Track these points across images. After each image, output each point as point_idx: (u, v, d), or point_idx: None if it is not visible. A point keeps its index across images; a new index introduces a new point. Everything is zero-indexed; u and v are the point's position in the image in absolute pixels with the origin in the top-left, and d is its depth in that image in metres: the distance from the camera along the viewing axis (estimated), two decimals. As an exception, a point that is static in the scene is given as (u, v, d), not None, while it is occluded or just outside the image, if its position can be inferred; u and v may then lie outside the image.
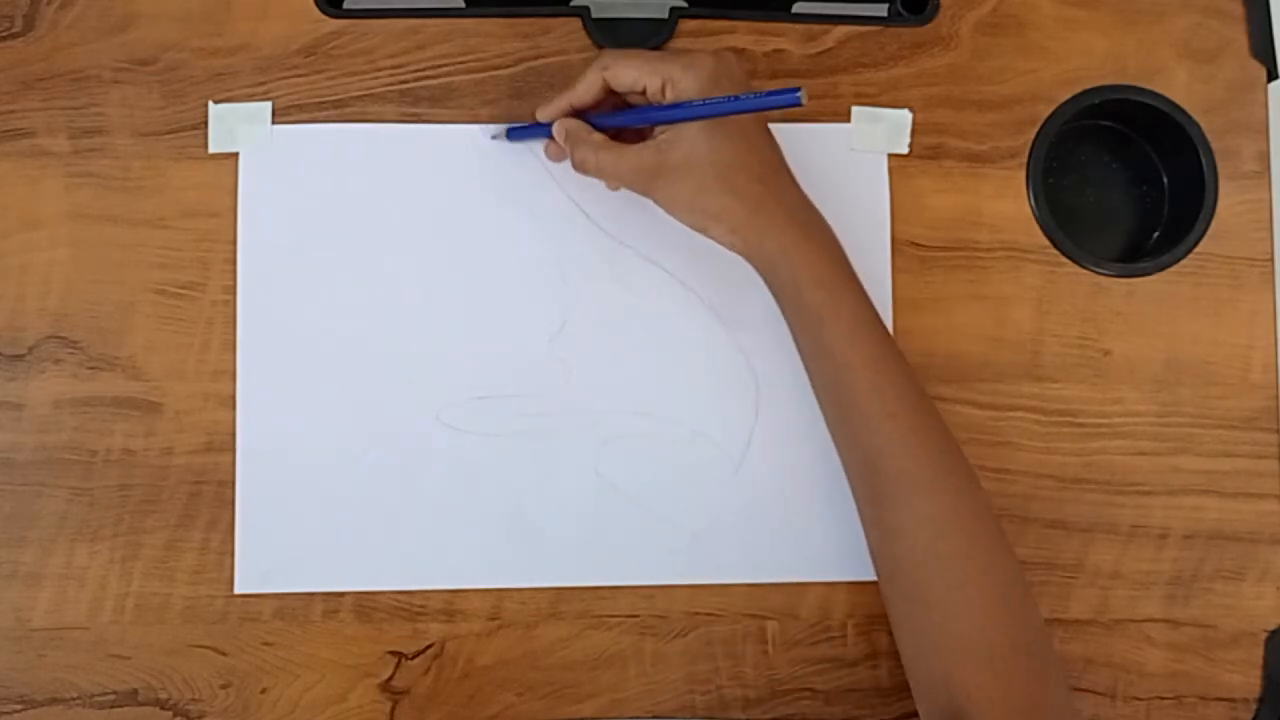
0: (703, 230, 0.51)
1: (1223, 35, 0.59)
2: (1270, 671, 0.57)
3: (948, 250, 0.58)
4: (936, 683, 0.48)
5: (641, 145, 0.51)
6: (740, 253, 0.52)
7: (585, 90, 0.52)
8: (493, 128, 0.57)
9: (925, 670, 0.49)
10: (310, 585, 0.55)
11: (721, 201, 0.50)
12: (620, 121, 0.53)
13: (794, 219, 0.51)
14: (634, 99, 0.53)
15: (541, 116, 0.54)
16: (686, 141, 0.50)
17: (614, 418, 0.56)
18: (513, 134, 0.56)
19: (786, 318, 0.52)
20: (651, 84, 0.51)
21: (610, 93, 0.53)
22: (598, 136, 0.52)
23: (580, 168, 0.53)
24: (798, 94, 0.44)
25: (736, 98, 0.48)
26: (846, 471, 0.52)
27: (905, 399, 0.50)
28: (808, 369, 0.53)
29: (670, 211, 0.52)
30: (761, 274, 0.52)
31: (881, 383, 0.50)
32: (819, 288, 0.50)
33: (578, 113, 0.54)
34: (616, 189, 0.55)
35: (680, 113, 0.49)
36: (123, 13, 0.57)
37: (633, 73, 0.51)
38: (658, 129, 0.51)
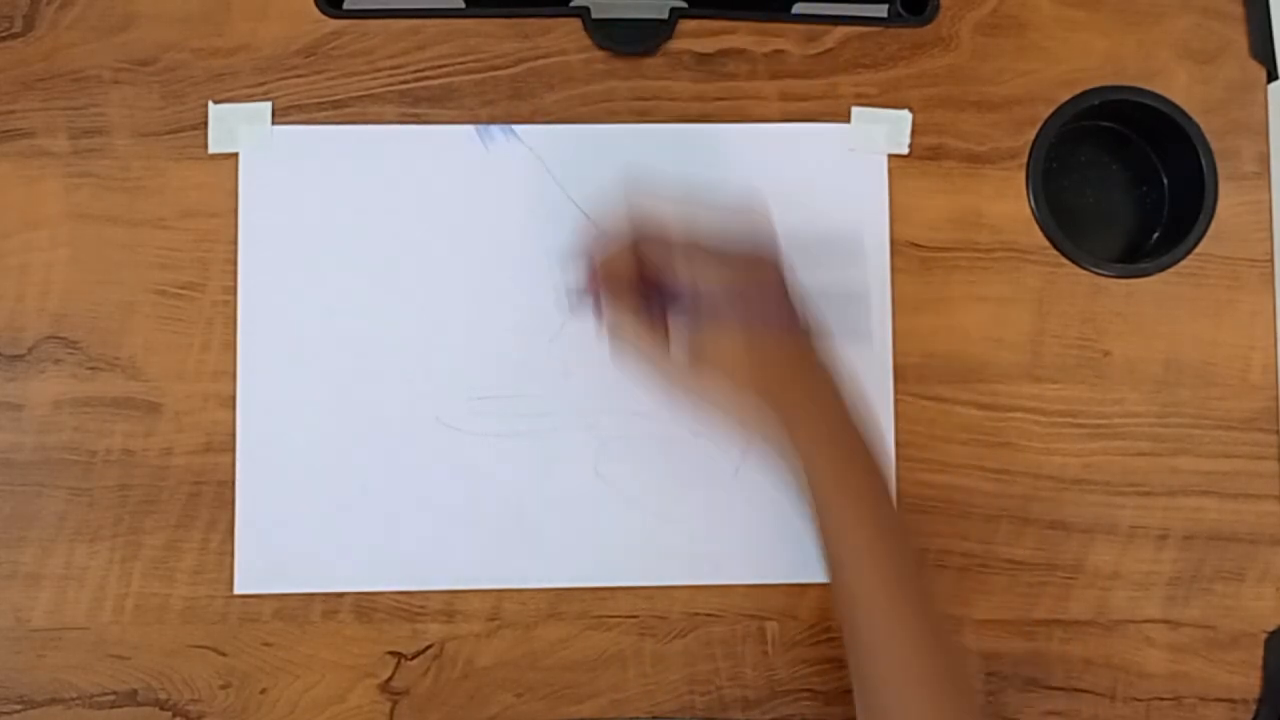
0: (725, 421, 0.50)
1: (1223, 36, 0.60)
2: (1270, 672, 0.57)
3: (948, 251, 0.58)
4: None
5: (674, 342, 0.50)
6: (770, 433, 0.50)
7: (623, 262, 0.51)
8: (492, 129, 0.57)
9: None
10: (310, 586, 0.55)
11: (753, 407, 0.49)
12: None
13: (813, 404, 0.49)
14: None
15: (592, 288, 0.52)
16: (719, 342, 0.48)
17: (614, 418, 0.56)
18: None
19: (811, 508, 0.50)
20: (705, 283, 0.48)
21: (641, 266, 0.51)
22: (646, 336, 0.50)
23: (613, 340, 0.51)
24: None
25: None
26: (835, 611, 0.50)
27: (920, 641, 0.47)
28: (819, 538, 0.50)
29: (708, 400, 0.50)
30: (787, 457, 0.50)
31: (879, 556, 0.47)
32: (842, 500, 0.48)
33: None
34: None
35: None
36: (123, 13, 0.57)
37: (714, 273, 0.48)
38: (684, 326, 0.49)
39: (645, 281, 0.51)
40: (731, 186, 0.57)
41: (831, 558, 0.49)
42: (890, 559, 0.48)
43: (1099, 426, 0.58)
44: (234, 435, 0.55)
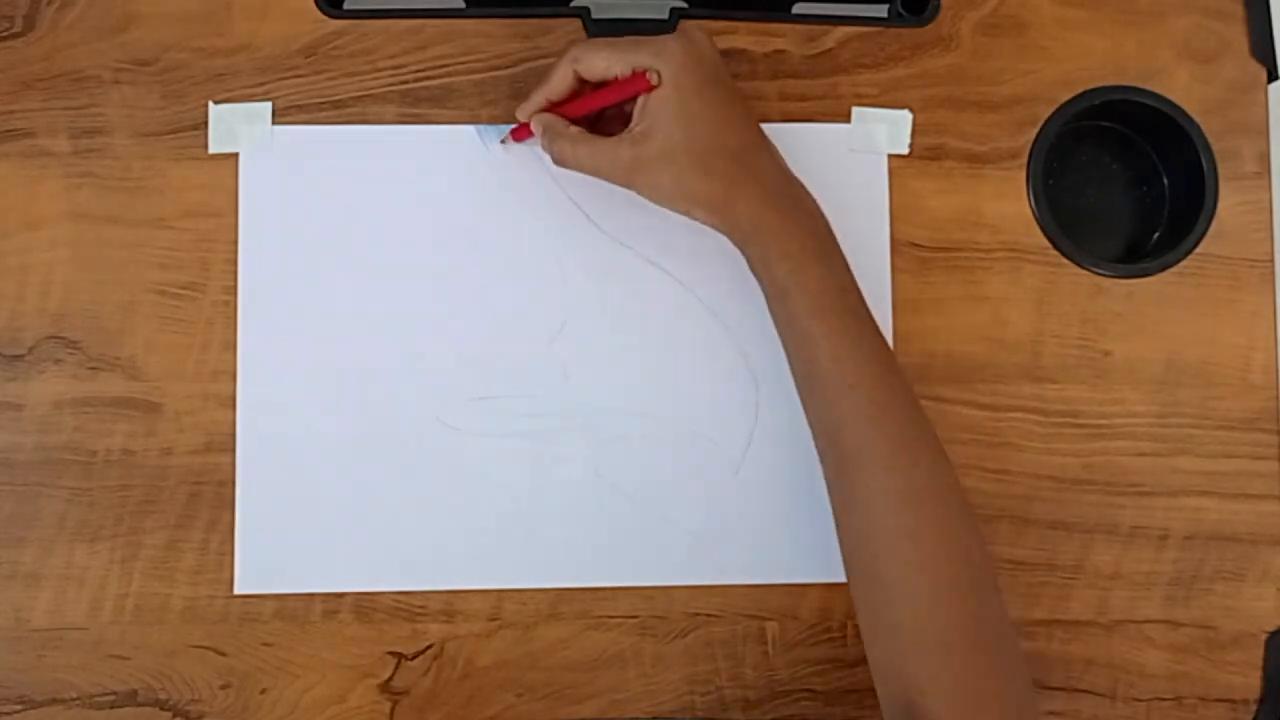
0: (686, 214, 0.52)
1: (1223, 36, 0.59)
2: (1270, 672, 0.57)
3: (948, 251, 0.58)
4: (890, 668, 0.47)
5: (618, 140, 0.52)
6: (721, 231, 0.52)
7: (558, 83, 0.53)
8: (492, 129, 0.57)
9: (879, 654, 0.48)
10: (310, 586, 0.55)
11: (700, 186, 0.50)
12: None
13: (770, 194, 0.51)
14: None
15: (520, 115, 0.55)
16: (661, 132, 0.50)
17: (614, 418, 0.56)
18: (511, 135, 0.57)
19: (762, 291, 0.52)
20: (622, 73, 0.51)
21: (584, 83, 0.53)
22: (574, 130, 0.53)
23: (559, 160, 0.53)
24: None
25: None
26: (815, 445, 0.52)
27: (868, 371, 0.49)
28: (781, 342, 0.52)
29: (653, 200, 0.52)
30: (740, 250, 0.52)
31: (844, 354, 0.49)
32: (785, 260, 0.50)
33: (552, 111, 0.54)
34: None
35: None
36: (123, 13, 0.57)
37: (602, 62, 0.51)
38: (633, 120, 0.51)
39: (585, 98, 0.53)
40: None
41: (787, 340, 0.51)
42: (843, 312, 0.50)
43: (1099, 427, 0.58)
44: (234, 435, 0.55)
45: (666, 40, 0.51)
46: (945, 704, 0.45)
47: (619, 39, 0.52)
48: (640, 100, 0.51)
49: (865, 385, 0.49)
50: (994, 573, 0.48)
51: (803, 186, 0.53)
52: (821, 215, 0.52)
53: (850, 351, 0.49)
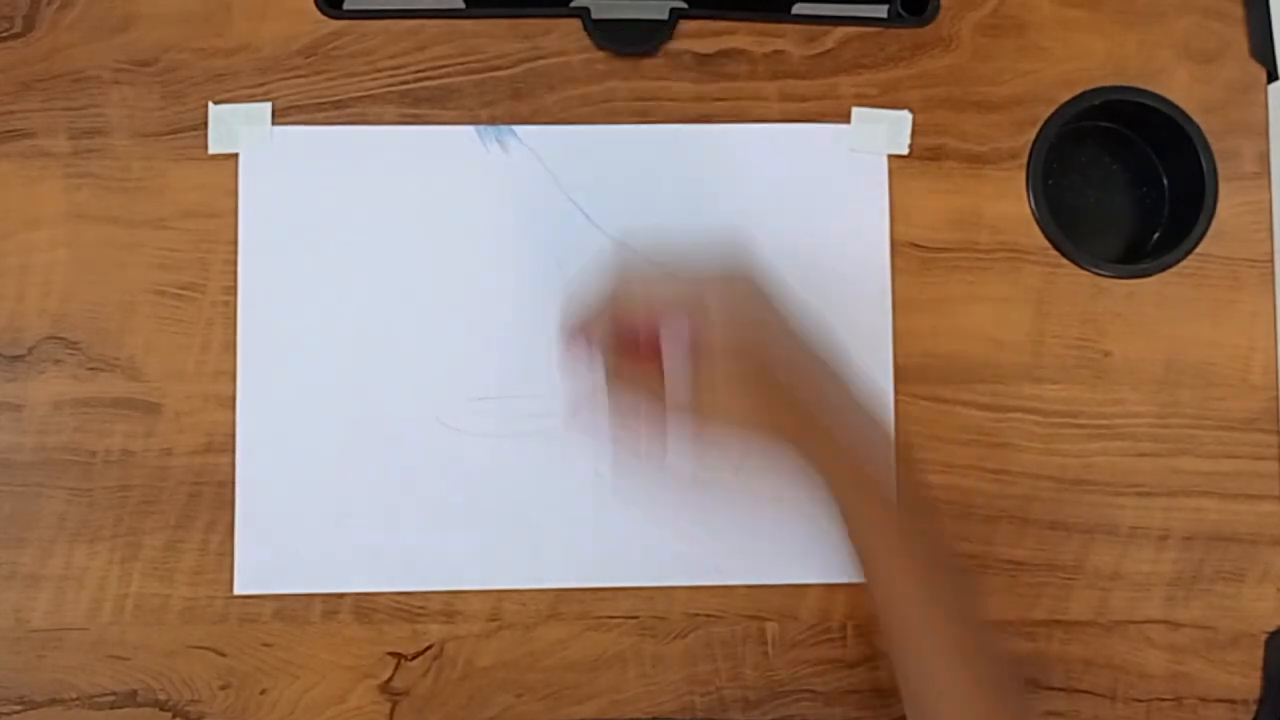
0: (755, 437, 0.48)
1: (1223, 36, 0.59)
2: (1270, 673, 0.57)
3: (947, 251, 0.58)
4: None
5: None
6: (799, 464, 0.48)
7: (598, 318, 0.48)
8: (492, 129, 0.57)
9: None
10: (310, 586, 0.55)
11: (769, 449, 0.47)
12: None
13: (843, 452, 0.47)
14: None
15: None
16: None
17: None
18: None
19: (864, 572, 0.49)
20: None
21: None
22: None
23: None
24: None
25: None
26: (895, 673, 0.49)
27: (954, 633, 0.46)
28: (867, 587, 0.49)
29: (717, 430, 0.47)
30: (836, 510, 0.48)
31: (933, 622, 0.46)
32: (866, 525, 0.47)
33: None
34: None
35: None
36: (123, 13, 0.57)
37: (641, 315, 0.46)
38: None
39: (632, 336, 0.48)
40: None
41: (881, 605, 0.47)
42: (934, 596, 0.46)
43: (1099, 427, 0.58)
44: (234, 435, 0.55)
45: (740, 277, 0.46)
46: None
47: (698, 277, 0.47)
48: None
49: (958, 657, 0.46)
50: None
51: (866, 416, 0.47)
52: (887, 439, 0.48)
53: (930, 604, 0.46)
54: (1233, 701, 0.57)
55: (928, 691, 0.46)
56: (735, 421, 0.46)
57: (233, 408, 0.56)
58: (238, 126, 0.57)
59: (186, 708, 0.55)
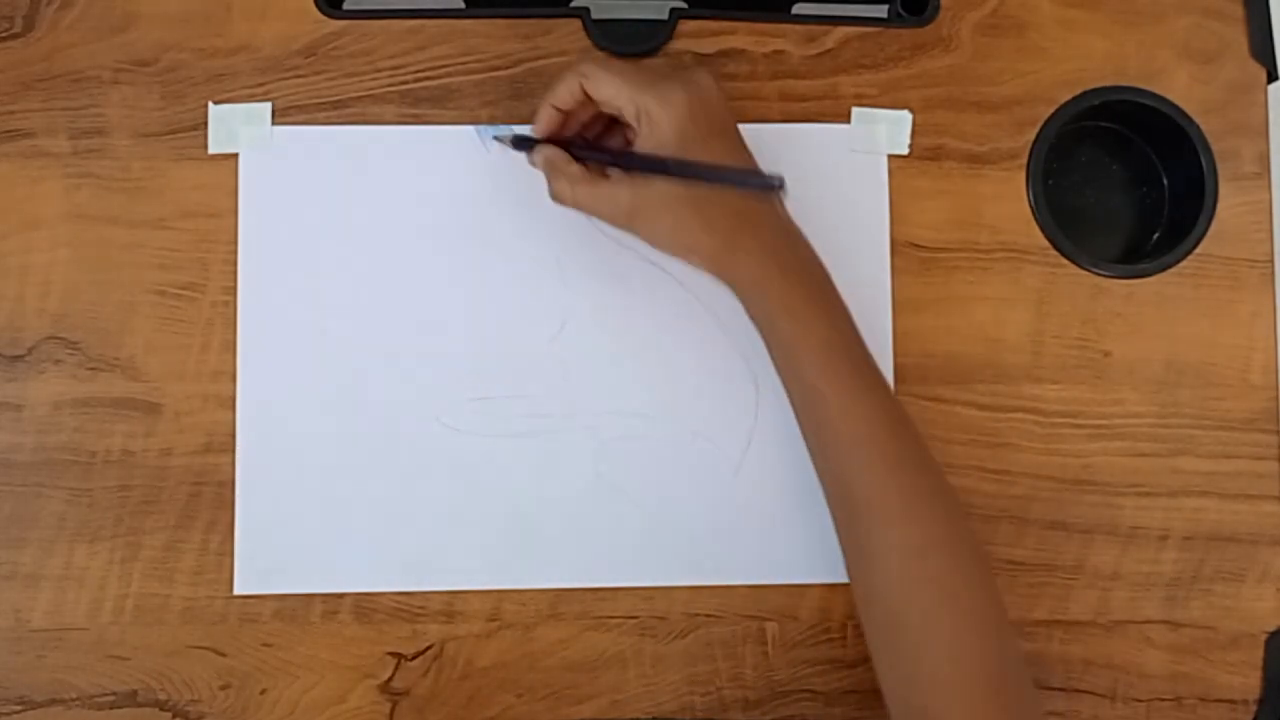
0: (684, 261, 0.52)
1: (1223, 36, 0.59)
2: (1270, 673, 0.57)
3: (948, 251, 0.58)
4: (909, 709, 0.47)
5: (616, 182, 0.51)
6: (721, 281, 0.52)
7: (565, 94, 0.52)
8: (490, 128, 0.57)
9: (902, 698, 0.48)
10: (310, 586, 0.55)
11: (697, 236, 0.50)
12: (596, 158, 0.52)
13: (769, 247, 0.51)
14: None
15: (537, 132, 0.53)
16: (661, 179, 0.50)
17: (614, 418, 0.56)
18: (517, 143, 0.56)
19: (765, 345, 0.52)
20: (627, 112, 0.50)
21: (589, 98, 0.52)
22: (575, 169, 0.52)
23: (556, 199, 0.52)
24: (776, 182, 0.45)
25: (716, 169, 0.48)
26: (825, 496, 0.52)
27: (878, 424, 0.49)
28: (788, 395, 0.52)
29: (651, 244, 0.52)
30: (740, 302, 0.52)
31: (852, 409, 0.49)
32: (788, 316, 0.50)
33: (561, 125, 0.53)
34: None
35: (658, 168, 0.49)
36: (123, 13, 0.57)
37: (609, 91, 0.50)
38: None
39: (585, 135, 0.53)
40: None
41: (795, 394, 0.52)
42: (850, 366, 0.50)
43: (1099, 427, 0.58)
44: (234, 435, 0.55)
45: (674, 85, 0.50)
46: None
47: (628, 67, 0.52)
48: (640, 140, 0.50)
49: (876, 439, 0.49)
50: (1007, 613, 0.49)
51: (802, 236, 0.52)
52: (821, 265, 0.52)
53: (858, 406, 0.49)
54: (1233, 701, 0.57)
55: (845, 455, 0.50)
56: (665, 236, 0.51)
57: (233, 408, 0.56)
58: (238, 126, 0.57)
59: (186, 708, 0.55)
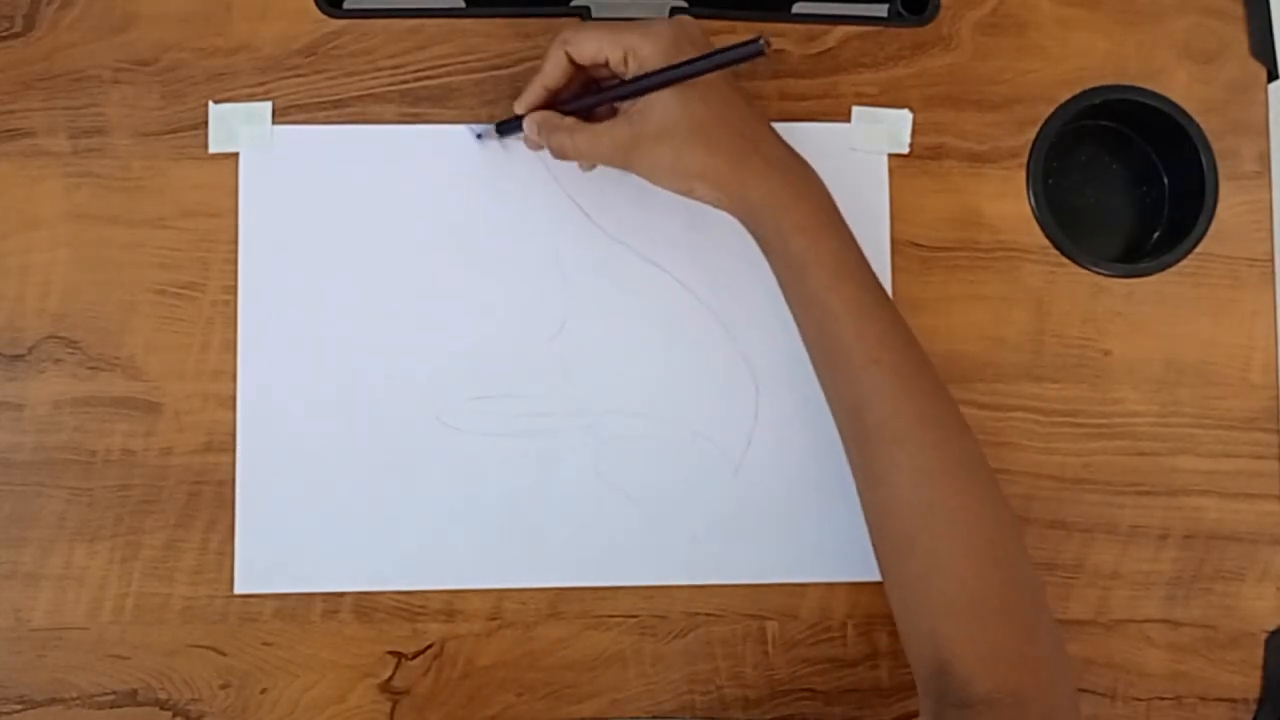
0: (688, 192, 0.51)
1: (1223, 35, 0.59)
2: (1270, 672, 0.57)
3: (948, 250, 0.58)
4: (923, 635, 0.47)
5: (614, 120, 0.51)
6: (726, 209, 0.52)
7: (552, 69, 0.52)
8: (479, 126, 0.57)
9: (912, 622, 0.48)
10: (310, 585, 0.55)
11: (701, 159, 0.50)
12: (587, 103, 0.53)
13: (775, 167, 0.51)
14: (599, 73, 0.53)
15: (519, 108, 0.54)
16: (658, 108, 0.50)
17: (614, 418, 0.56)
18: (501, 129, 0.56)
19: (772, 268, 0.52)
20: (613, 55, 0.50)
21: (579, 69, 0.52)
22: (569, 120, 0.52)
23: (559, 154, 0.53)
24: (759, 43, 0.45)
25: (697, 59, 0.48)
26: (835, 420, 0.52)
27: (889, 344, 0.49)
28: (795, 318, 0.52)
29: (653, 180, 0.51)
30: (748, 227, 0.52)
31: (864, 328, 0.49)
32: (801, 234, 0.50)
33: (550, 102, 0.53)
34: (591, 169, 0.55)
35: (644, 84, 0.50)
36: (123, 13, 0.57)
37: (593, 44, 0.51)
38: (628, 102, 0.51)
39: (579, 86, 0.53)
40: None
41: (804, 315, 0.51)
42: (860, 285, 0.50)
43: (1099, 426, 0.58)
44: (234, 435, 0.55)
45: (656, 22, 0.50)
46: (979, 665, 0.45)
47: (608, 22, 0.52)
48: (633, 79, 0.50)
49: (888, 359, 0.49)
50: (1022, 537, 0.49)
51: (803, 161, 0.52)
52: (826, 188, 0.52)
53: (872, 325, 0.49)
54: (1233, 701, 0.57)
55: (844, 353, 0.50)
56: (667, 160, 0.50)
57: (233, 407, 0.56)
58: (238, 126, 0.57)
59: (187, 707, 0.55)
